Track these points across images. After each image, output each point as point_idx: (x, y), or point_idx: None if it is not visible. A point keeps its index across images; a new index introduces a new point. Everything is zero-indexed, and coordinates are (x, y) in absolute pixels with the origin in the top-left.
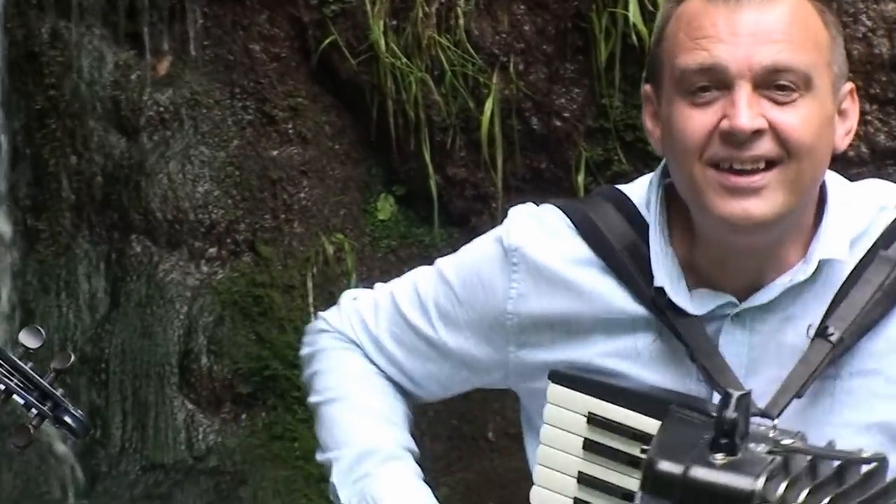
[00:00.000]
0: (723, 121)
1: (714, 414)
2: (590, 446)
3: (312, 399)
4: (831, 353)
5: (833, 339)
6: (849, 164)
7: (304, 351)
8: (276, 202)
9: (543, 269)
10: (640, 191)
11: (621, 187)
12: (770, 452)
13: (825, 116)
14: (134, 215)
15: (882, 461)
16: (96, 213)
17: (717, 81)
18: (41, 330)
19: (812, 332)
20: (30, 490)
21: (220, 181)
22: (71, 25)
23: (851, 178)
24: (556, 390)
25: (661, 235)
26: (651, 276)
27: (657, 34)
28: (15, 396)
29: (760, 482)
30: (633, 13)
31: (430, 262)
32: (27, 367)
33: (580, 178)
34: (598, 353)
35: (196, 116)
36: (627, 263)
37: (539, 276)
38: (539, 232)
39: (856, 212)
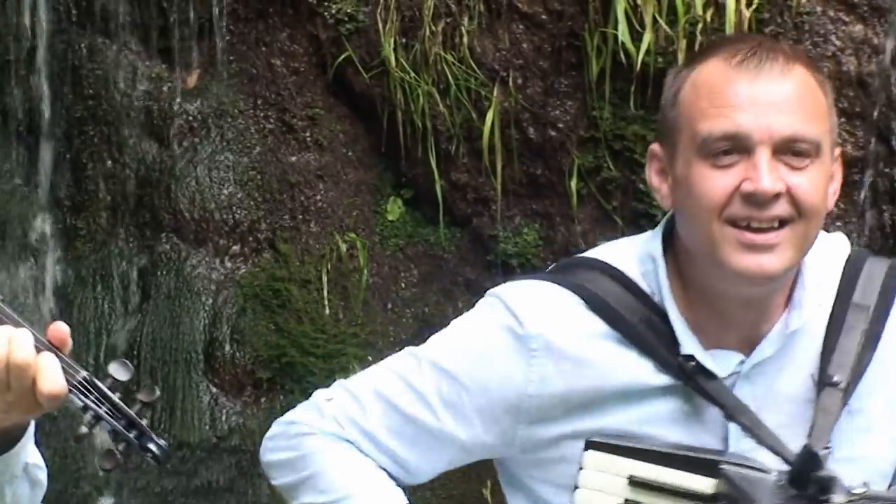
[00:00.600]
0: (744, 183)
1: (782, 468)
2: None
3: (315, 500)
4: (842, 398)
5: (841, 386)
6: None
7: (281, 456)
8: (294, 204)
9: (565, 351)
10: (622, 258)
11: (601, 257)
12: (849, 502)
13: (827, 179)
14: (164, 215)
15: None
16: (130, 213)
17: (739, 147)
18: (129, 364)
19: (815, 379)
20: (66, 465)
21: (243, 184)
22: (108, 42)
23: None
24: (594, 456)
25: (674, 303)
26: (668, 345)
27: (671, 98)
28: (104, 423)
29: None
30: (623, 33)
31: (439, 262)
32: (116, 398)
33: (573, 184)
34: (618, 421)
35: (222, 125)
36: (646, 335)
37: (561, 357)
38: (554, 314)
39: (819, 263)
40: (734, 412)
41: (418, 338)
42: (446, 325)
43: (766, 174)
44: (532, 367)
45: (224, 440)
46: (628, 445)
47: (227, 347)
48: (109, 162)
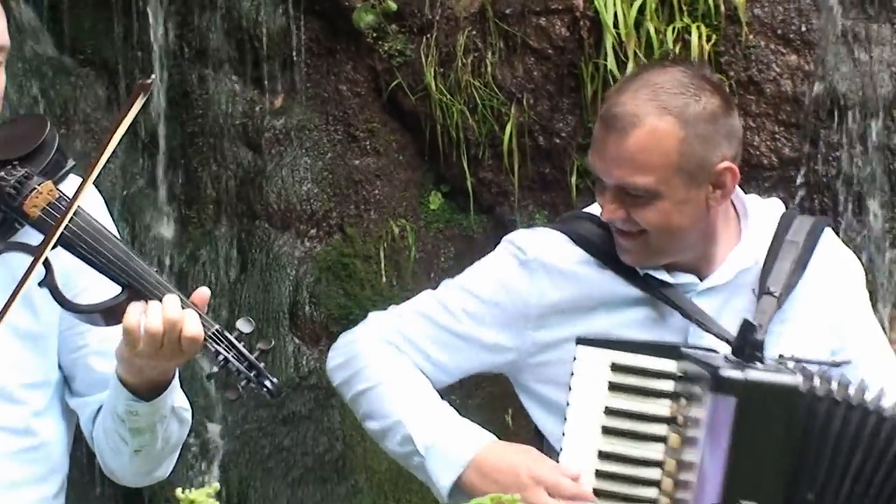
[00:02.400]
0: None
1: (731, 342)
2: (613, 387)
3: (362, 386)
4: (777, 304)
5: (776, 294)
6: (763, 169)
7: (339, 360)
8: (358, 197)
9: (556, 269)
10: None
11: (589, 210)
12: (780, 363)
13: (671, 205)
14: (257, 207)
15: (846, 363)
16: (230, 205)
17: (602, 185)
18: (252, 321)
19: (755, 292)
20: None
21: (318, 182)
22: (213, 73)
23: (765, 180)
24: (584, 349)
25: None
26: (634, 274)
27: None
28: (231, 365)
29: (800, 378)
30: (611, 63)
31: (470, 241)
32: (241, 345)
33: (573, 180)
34: (600, 325)
35: (301, 137)
36: (618, 260)
37: (554, 274)
38: (548, 245)
39: (760, 217)
40: (689, 312)
41: None
42: (480, 264)
43: (606, 207)
44: (533, 283)
45: (304, 380)
46: (610, 339)
47: (307, 308)
48: (214, 166)
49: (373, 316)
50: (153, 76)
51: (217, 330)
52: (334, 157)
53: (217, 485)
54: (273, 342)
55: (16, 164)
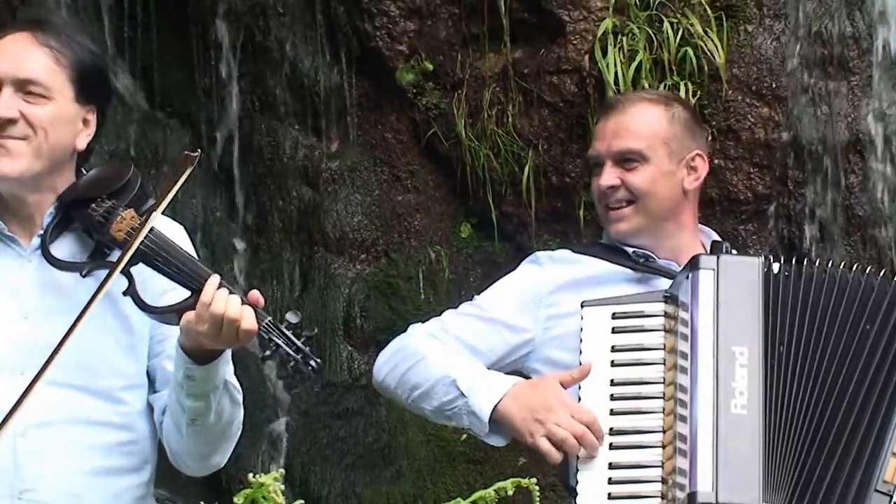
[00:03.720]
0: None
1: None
2: (616, 330)
3: (409, 362)
4: None
5: None
6: (741, 204)
7: (388, 357)
8: (401, 227)
9: (563, 259)
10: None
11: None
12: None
13: (656, 172)
14: (316, 235)
15: None
16: (294, 234)
17: (597, 163)
18: (298, 313)
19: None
20: (255, 395)
21: (367, 215)
22: (279, 123)
23: (742, 212)
24: (588, 309)
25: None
26: (625, 256)
27: None
28: (281, 350)
29: (762, 259)
30: None
31: (495, 264)
32: (289, 333)
33: (581, 213)
34: (598, 296)
35: (353, 177)
36: (610, 254)
37: (561, 262)
38: (555, 251)
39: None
40: (671, 272)
41: None
42: (502, 277)
43: (605, 175)
44: (544, 272)
45: (356, 381)
46: (607, 298)
47: (358, 320)
48: (280, 201)
49: (412, 326)
50: (198, 151)
51: (269, 321)
52: (381, 193)
53: (283, 470)
54: (316, 329)
55: (105, 198)
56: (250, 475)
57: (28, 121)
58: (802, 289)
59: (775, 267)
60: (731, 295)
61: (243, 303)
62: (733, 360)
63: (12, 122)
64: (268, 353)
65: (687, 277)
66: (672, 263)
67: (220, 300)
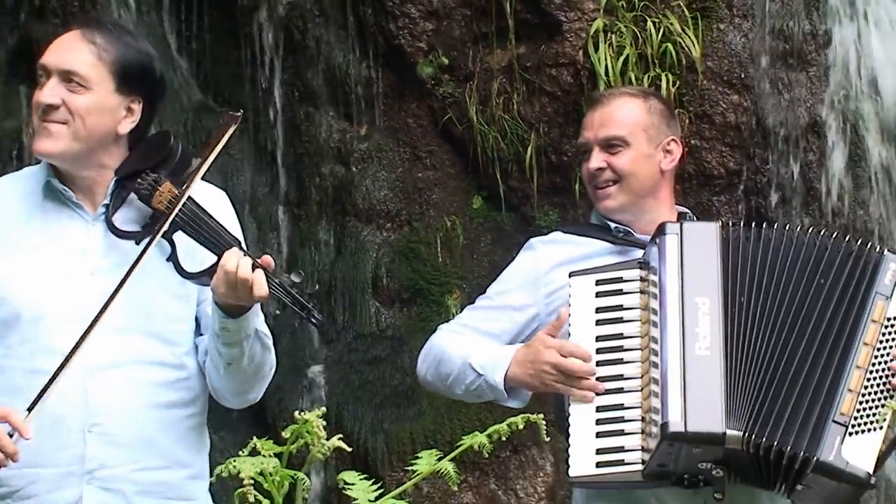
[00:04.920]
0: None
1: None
2: (599, 294)
3: (437, 356)
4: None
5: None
6: (714, 178)
7: (421, 361)
8: (421, 199)
9: (555, 241)
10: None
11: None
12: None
13: (637, 155)
14: (348, 207)
15: None
16: (329, 206)
17: (586, 149)
18: (302, 273)
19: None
20: (294, 347)
21: (392, 189)
22: (316, 110)
23: (716, 186)
24: (575, 279)
25: (607, 217)
26: (608, 231)
27: None
28: (289, 308)
29: (720, 223)
30: None
31: (502, 231)
32: (294, 292)
33: (577, 187)
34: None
35: (380, 156)
36: (595, 231)
37: (553, 243)
38: (546, 236)
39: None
40: (642, 245)
41: (491, 275)
42: (507, 267)
43: (593, 159)
44: (539, 254)
45: (383, 332)
46: (591, 268)
47: (384, 280)
48: (317, 178)
49: (439, 327)
50: (240, 112)
51: (277, 282)
52: (403, 171)
53: (324, 409)
54: (318, 287)
55: (149, 171)
56: (296, 413)
57: (68, 107)
58: (761, 248)
59: (734, 231)
60: (692, 254)
61: (256, 266)
62: (696, 310)
63: (54, 107)
64: (278, 311)
65: (655, 243)
66: (648, 236)
67: (233, 263)
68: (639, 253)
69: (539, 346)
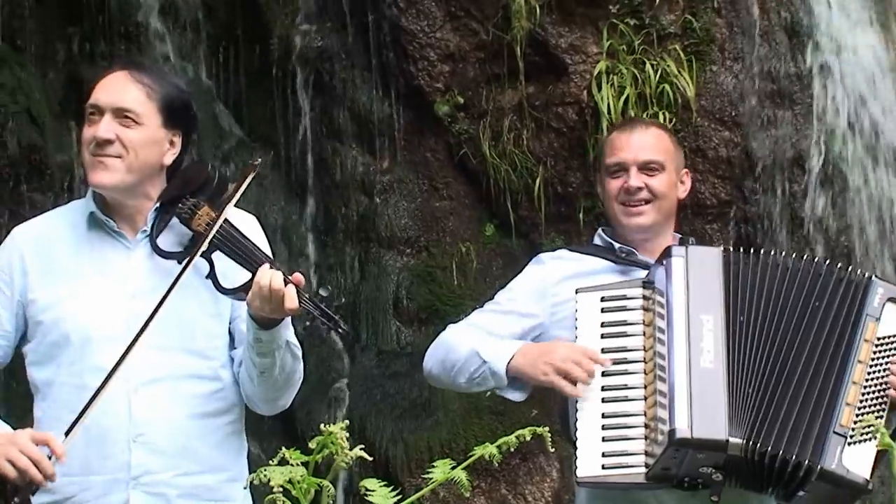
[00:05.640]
0: (625, 183)
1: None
2: (605, 310)
3: (446, 348)
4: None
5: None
6: (707, 208)
7: (428, 355)
8: (437, 227)
9: (562, 258)
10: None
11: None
12: None
13: (672, 183)
14: (371, 234)
15: None
16: (354, 233)
17: (623, 168)
18: (329, 288)
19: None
20: (321, 360)
21: (412, 218)
22: (342, 145)
23: (709, 214)
24: (582, 295)
25: (612, 239)
26: (613, 252)
27: (600, 153)
28: (318, 320)
29: (722, 248)
30: (604, 138)
31: (512, 256)
32: (322, 305)
33: (581, 216)
34: (590, 284)
35: (401, 188)
36: (601, 251)
37: (560, 260)
38: (554, 252)
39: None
40: (646, 265)
41: None
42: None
43: (635, 180)
44: (547, 269)
45: (403, 349)
46: (597, 285)
47: (405, 301)
48: (343, 208)
49: (449, 326)
50: (259, 160)
51: (307, 296)
52: (422, 201)
53: (347, 421)
54: (343, 299)
55: (189, 197)
56: (321, 425)
57: (122, 142)
58: (759, 272)
59: (734, 256)
60: (697, 275)
61: (287, 282)
62: (701, 326)
63: (110, 142)
64: (308, 322)
65: (662, 264)
66: (648, 261)
67: (267, 279)
68: (640, 272)
69: (549, 345)
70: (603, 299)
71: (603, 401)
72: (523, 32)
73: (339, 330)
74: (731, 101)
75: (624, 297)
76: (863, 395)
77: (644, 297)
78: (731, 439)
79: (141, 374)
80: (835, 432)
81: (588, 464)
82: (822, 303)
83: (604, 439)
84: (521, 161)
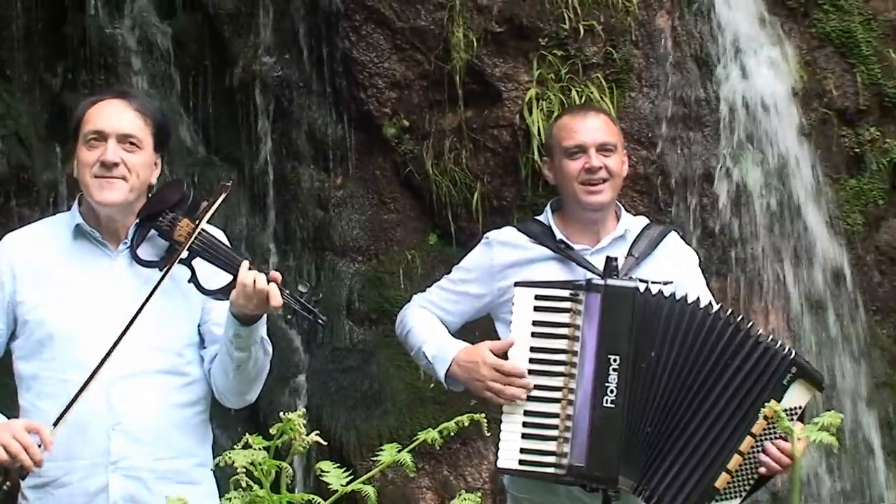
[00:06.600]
0: (586, 163)
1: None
2: (537, 308)
3: (406, 328)
4: (628, 263)
5: (636, 256)
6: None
7: (398, 324)
8: (387, 237)
9: (507, 242)
10: (541, 215)
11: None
12: (628, 279)
13: (620, 160)
14: (326, 243)
15: (670, 282)
16: (311, 242)
17: (582, 149)
18: (308, 284)
19: (625, 256)
20: (283, 356)
21: (363, 229)
22: (299, 164)
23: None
24: (519, 290)
25: (554, 222)
26: (554, 240)
27: (548, 139)
28: (298, 314)
29: (638, 283)
30: (536, 157)
31: (452, 265)
32: (303, 300)
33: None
34: (530, 275)
35: (352, 202)
36: (543, 237)
37: (505, 245)
38: (502, 232)
39: (629, 220)
40: (581, 260)
41: None
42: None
43: (595, 161)
44: (493, 253)
45: (355, 346)
46: (533, 281)
47: (356, 303)
48: (301, 220)
49: (414, 296)
50: (231, 181)
51: (288, 292)
52: (372, 213)
53: (304, 410)
54: (321, 294)
55: (168, 211)
56: (282, 414)
57: (126, 165)
58: (664, 314)
59: (644, 293)
60: (610, 314)
61: (269, 280)
62: (608, 365)
63: (116, 165)
64: (289, 315)
65: (586, 289)
66: (586, 248)
67: (251, 278)
68: (575, 266)
69: (480, 363)
70: (537, 297)
71: (528, 398)
72: (462, 63)
73: (320, 322)
74: (647, 123)
75: (555, 298)
76: (741, 465)
77: (571, 304)
78: (622, 477)
79: (119, 368)
80: (706, 491)
81: (508, 457)
82: (733, 362)
83: (523, 436)
84: (461, 178)
